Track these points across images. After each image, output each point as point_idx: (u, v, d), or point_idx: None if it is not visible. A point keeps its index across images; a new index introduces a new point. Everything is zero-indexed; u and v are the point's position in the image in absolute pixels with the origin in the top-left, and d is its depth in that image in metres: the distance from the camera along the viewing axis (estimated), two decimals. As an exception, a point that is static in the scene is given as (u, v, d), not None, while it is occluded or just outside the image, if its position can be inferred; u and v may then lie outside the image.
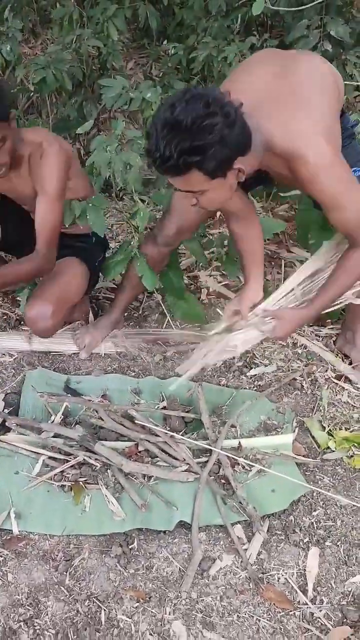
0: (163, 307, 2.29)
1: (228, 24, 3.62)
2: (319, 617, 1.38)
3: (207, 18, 3.70)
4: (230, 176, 1.41)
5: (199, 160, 1.30)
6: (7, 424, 1.77)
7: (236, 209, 1.73)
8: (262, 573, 1.47)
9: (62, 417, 1.80)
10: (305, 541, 1.55)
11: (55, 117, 3.63)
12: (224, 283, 2.47)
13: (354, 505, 1.62)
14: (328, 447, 1.79)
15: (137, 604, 1.40)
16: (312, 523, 1.60)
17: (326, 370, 2.06)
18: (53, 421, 1.77)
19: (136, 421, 1.75)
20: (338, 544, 1.55)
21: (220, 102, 1.31)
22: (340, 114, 1.67)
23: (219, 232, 2.68)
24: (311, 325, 2.23)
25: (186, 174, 1.34)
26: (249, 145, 1.40)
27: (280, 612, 1.39)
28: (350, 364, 2.06)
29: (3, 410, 1.84)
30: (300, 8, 2.76)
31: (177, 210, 1.90)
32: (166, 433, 1.71)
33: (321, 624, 1.37)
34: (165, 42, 3.98)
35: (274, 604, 1.41)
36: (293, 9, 2.75)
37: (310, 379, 2.02)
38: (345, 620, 1.38)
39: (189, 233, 2.02)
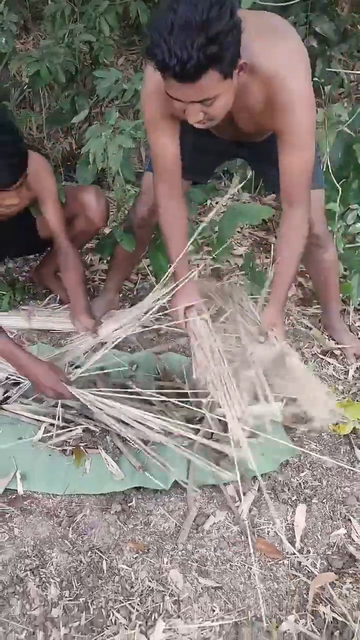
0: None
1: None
2: (306, 565, 1.49)
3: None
4: (235, 78, 1.34)
5: (217, 53, 1.22)
6: (9, 393, 1.85)
7: (171, 172, 1.64)
8: (253, 527, 1.57)
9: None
10: (293, 499, 1.65)
11: (47, 111, 3.70)
12: (214, 267, 2.57)
13: (338, 466, 1.73)
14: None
15: (137, 554, 1.49)
16: (300, 483, 1.70)
17: (312, 347, 2.17)
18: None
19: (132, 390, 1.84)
20: (324, 501, 1.65)
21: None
22: None
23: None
24: (298, 305, 2.34)
25: (204, 76, 1.25)
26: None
27: (270, 562, 1.49)
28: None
29: (5, 382, 1.92)
30: (286, 4, 2.86)
31: (149, 191, 1.85)
32: (162, 401, 1.80)
33: (308, 571, 1.48)
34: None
35: (264, 554, 1.51)
36: (280, 3, 2.84)
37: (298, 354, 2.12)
38: (330, 567, 1.49)
39: None
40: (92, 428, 1.74)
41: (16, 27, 3.23)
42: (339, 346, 2.15)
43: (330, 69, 3.50)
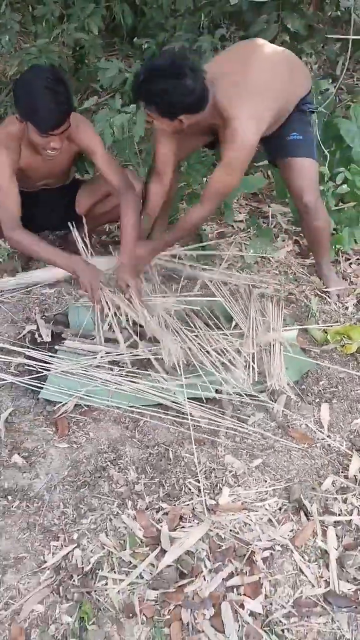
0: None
1: (195, 21, 4.06)
2: (335, 446, 1.80)
3: (174, 16, 4.14)
4: (176, 122, 1.94)
5: (158, 102, 1.88)
6: (63, 335, 2.11)
7: (164, 164, 2.21)
8: (287, 423, 1.88)
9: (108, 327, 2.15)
10: (316, 401, 1.98)
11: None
12: (220, 230, 2.89)
13: (349, 375, 2.06)
14: (325, 341, 2.22)
15: (195, 446, 1.77)
16: (320, 390, 2.03)
17: (314, 289, 2.50)
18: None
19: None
20: (342, 401, 1.98)
21: (188, 69, 1.85)
22: (308, 92, 2.21)
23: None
24: (297, 258, 2.68)
25: (146, 105, 1.92)
26: (203, 105, 1.93)
27: (305, 446, 1.80)
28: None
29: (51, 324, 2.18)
30: (260, 0, 3.21)
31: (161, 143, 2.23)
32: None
33: (337, 449, 1.79)
34: (135, 39, 4.41)
35: (300, 440, 1.82)
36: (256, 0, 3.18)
37: (302, 295, 2.46)
38: (352, 446, 1.81)
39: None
40: (141, 355, 2.00)
41: (18, 25, 3.50)
42: (327, 289, 2.48)
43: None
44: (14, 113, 2.12)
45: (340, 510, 1.61)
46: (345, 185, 2.63)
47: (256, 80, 1.99)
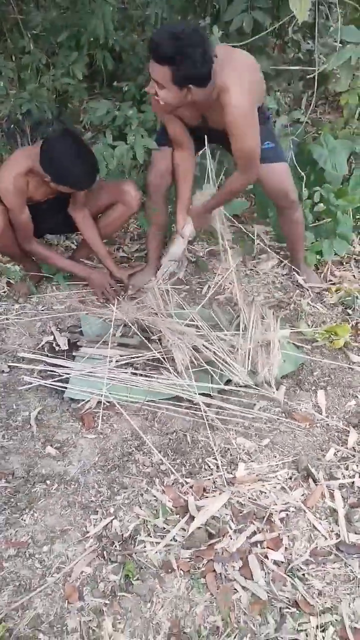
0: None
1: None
2: (333, 424, 2.02)
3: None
4: (184, 91, 1.99)
5: (174, 62, 1.88)
6: (78, 343, 2.31)
7: (179, 135, 2.41)
8: (289, 407, 2.10)
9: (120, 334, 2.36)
10: (313, 389, 2.20)
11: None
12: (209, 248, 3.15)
13: (340, 366, 2.30)
14: (315, 340, 2.46)
15: (209, 431, 1.97)
16: (315, 380, 2.25)
17: (302, 295, 2.76)
18: (115, 335, 2.32)
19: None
20: (335, 387, 2.21)
21: (208, 45, 1.91)
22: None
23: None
24: (283, 268, 2.95)
25: (161, 65, 1.91)
26: (208, 81, 1.99)
27: (307, 426, 2.02)
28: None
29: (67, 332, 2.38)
30: (233, 45, 3.55)
31: (157, 163, 2.54)
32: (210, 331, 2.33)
33: (335, 427, 2.01)
34: (115, 82, 4.74)
35: (302, 421, 2.03)
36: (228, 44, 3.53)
37: (291, 300, 2.71)
38: (349, 424, 2.03)
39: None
40: (157, 355, 2.21)
41: (11, 73, 3.79)
42: (300, 278, 2.78)
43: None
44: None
45: (343, 475, 1.82)
46: (322, 203, 2.93)
47: (244, 62, 2.14)
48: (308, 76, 4.43)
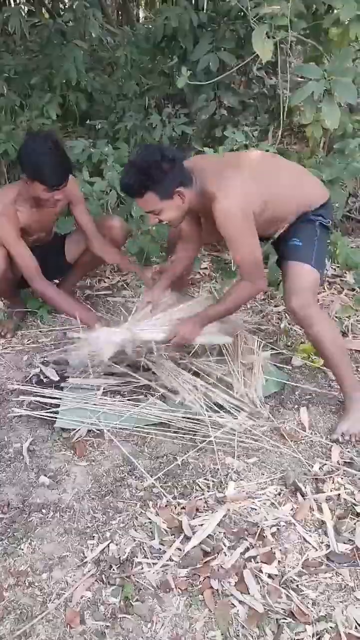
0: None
1: (141, 103, 4.59)
2: (317, 440, 2.10)
3: (122, 100, 4.67)
4: (176, 198, 2.00)
5: (149, 185, 1.94)
6: (66, 373, 2.36)
7: (187, 232, 2.35)
8: (274, 426, 2.17)
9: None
10: (295, 407, 2.28)
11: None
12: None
13: (319, 384, 2.39)
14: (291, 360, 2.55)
15: (198, 453, 2.03)
16: (296, 398, 2.34)
17: (280, 318, 2.86)
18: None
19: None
20: (317, 405, 2.29)
21: (163, 150, 1.97)
22: (321, 206, 2.16)
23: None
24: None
25: (143, 196, 1.97)
26: (189, 180, 2.01)
27: (292, 444, 2.09)
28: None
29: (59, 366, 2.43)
30: (201, 83, 3.72)
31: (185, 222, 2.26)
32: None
33: (319, 442, 2.09)
34: (88, 121, 4.89)
35: (291, 438, 2.10)
36: (196, 82, 3.67)
37: (269, 323, 2.81)
38: (330, 427, 2.12)
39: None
40: (144, 381, 2.27)
41: (-13, 116, 3.90)
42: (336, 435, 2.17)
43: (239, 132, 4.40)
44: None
45: (330, 489, 1.89)
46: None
47: (235, 166, 2.08)
48: (272, 110, 4.67)
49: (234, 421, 2.14)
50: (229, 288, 2.23)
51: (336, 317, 2.86)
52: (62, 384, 2.32)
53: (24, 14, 4.47)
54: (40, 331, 2.71)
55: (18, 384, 2.33)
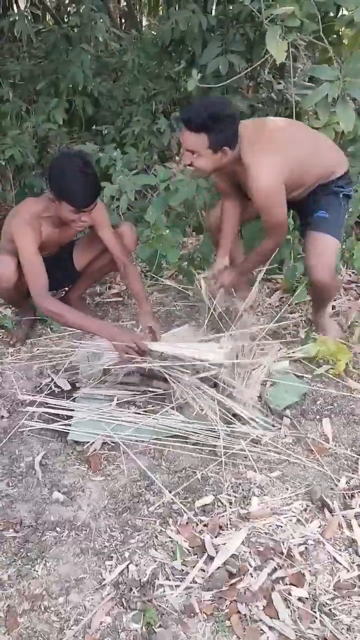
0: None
1: (148, 108, 4.53)
2: (342, 453, 2.01)
3: (129, 105, 4.61)
4: (219, 154, 2.16)
5: (209, 127, 2.07)
6: (77, 384, 2.28)
7: (224, 188, 2.50)
8: (296, 438, 2.08)
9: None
10: (317, 418, 2.19)
11: (16, 189, 4.25)
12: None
13: (341, 395, 2.30)
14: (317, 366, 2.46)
15: (218, 467, 1.94)
16: (318, 409, 2.25)
17: (297, 325, 2.78)
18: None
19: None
20: (339, 415, 2.20)
21: (231, 106, 2.23)
22: (341, 176, 2.41)
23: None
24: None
25: (197, 133, 2.09)
26: (235, 144, 2.18)
27: (316, 456, 2.00)
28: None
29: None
30: (210, 86, 3.65)
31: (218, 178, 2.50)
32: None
33: (344, 455, 2.00)
34: (94, 126, 4.83)
35: (318, 452, 2.01)
36: (206, 85, 3.61)
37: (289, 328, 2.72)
38: (355, 438, 2.03)
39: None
40: (158, 389, 2.18)
41: (-8, 121, 3.84)
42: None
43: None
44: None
45: (358, 504, 1.79)
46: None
47: (267, 138, 2.26)
48: (281, 115, 4.60)
49: (254, 432, 2.05)
50: (257, 247, 2.48)
51: (355, 323, 2.77)
52: (75, 394, 2.23)
53: (29, 18, 4.41)
54: (50, 339, 2.62)
55: (28, 395, 2.24)
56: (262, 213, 2.32)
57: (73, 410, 2.13)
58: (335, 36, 3.71)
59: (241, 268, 2.57)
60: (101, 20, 4.37)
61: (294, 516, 1.76)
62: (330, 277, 2.40)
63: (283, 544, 1.66)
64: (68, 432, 2.05)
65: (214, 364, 2.14)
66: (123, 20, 7.36)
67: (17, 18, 4.14)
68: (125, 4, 7.03)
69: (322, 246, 2.37)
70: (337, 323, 2.74)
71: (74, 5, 4.91)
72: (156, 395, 2.20)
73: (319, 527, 1.73)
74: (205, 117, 2.07)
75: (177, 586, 1.54)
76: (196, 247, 3.32)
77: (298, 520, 1.75)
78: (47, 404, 2.17)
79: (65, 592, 1.53)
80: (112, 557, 1.63)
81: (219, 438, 2.01)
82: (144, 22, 7.73)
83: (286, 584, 1.55)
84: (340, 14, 3.62)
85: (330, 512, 1.77)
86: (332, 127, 3.49)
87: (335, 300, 2.97)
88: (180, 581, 1.56)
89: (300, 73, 4.89)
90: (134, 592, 1.53)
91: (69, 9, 5.60)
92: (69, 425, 2.08)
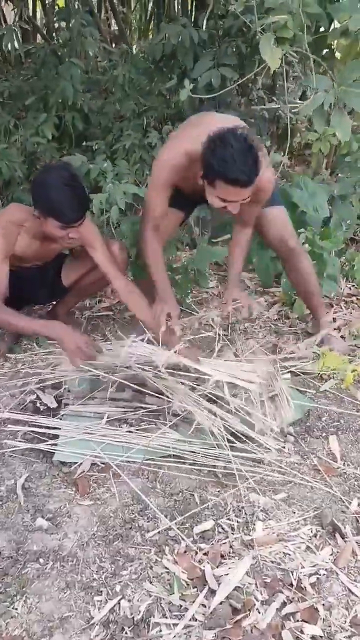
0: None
1: (139, 123, 4.45)
2: (351, 472, 1.85)
3: (120, 120, 4.54)
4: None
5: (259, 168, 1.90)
6: (64, 400, 2.11)
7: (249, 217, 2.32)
8: (301, 457, 1.92)
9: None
10: (323, 435, 2.04)
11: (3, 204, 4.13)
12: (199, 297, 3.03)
13: (346, 413, 2.15)
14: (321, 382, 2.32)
15: (218, 489, 1.77)
16: (324, 426, 2.09)
17: (298, 339, 2.64)
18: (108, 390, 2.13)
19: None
20: (347, 432, 2.05)
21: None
22: None
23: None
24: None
25: (249, 187, 1.91)
26: None
27: (324, 477, 1.84)
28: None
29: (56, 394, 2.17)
30: (202, 97, 3.57)
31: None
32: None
33: (354, 475, 1.84)
34: (84, 142, 4.74)
35: (326, 472, 1.85)
36: (198, 96, 3.51)
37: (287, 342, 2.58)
38: None
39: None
40: (151, 406, 2.02)
41: (-21, 134, 3.73)
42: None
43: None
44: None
45: (373, 529, 1.63)
46: (307, 244, 2.86)
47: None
48: (272, 133, 4.56)
49: (257, 451, 1.89)
50: (235, 240, 2.40)
51: (355, 334, 2.64)
52: (61, 412, 2.07)
53: (18, 33, 4.35)
54: (35, 354, 2.46)
55: (11, 413, 2.07)
56: (258, 205, 2.22)
57: (60, 428, 1.97)
58: (327, 50, 3.68)
59: (238, 277, 2.46)
60: (91, 36, 4.30)
61: (303, 543, 1.59)
62: (298, 241, 2.51)
63: (292, 574, 1.49)
64: (54, 453, 1.88)
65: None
66: (114, 45, 7.38)
67: (4, 32, 4.07)
68: (116, 28, 7.03)
69: (278, 218, 2.43)
70: (340, 336, 2.61)
71: (63, 21, 4.85)
72: (149, 412, 2.04)
73: (331, 554, 1.56)
74: (257, 168, 1.90)
75: (175, 624, 1.36)
76: (190, 260, 3.19)
77: (307, 547, 1.58)
78: (31, 422, 2.00)
79: (48, 632, 1.35)
80: (101, 591, 1.45)
81: (218, 458, 1.85)
82: (134, 46, 7.77)
83: (297, 621, 1.38)
84: (332, 27, 3.59)
85: (343, 538, 1.60)
86: (327, 139, 3.42)
87: (336, 313, 2.84)
88: (179, 619, 1.38)
89: (291, 92, 4.86)
90: (126, 632, 1.35)
91: (57, 24, 5.56)
92: (55, 445, 1.91)
